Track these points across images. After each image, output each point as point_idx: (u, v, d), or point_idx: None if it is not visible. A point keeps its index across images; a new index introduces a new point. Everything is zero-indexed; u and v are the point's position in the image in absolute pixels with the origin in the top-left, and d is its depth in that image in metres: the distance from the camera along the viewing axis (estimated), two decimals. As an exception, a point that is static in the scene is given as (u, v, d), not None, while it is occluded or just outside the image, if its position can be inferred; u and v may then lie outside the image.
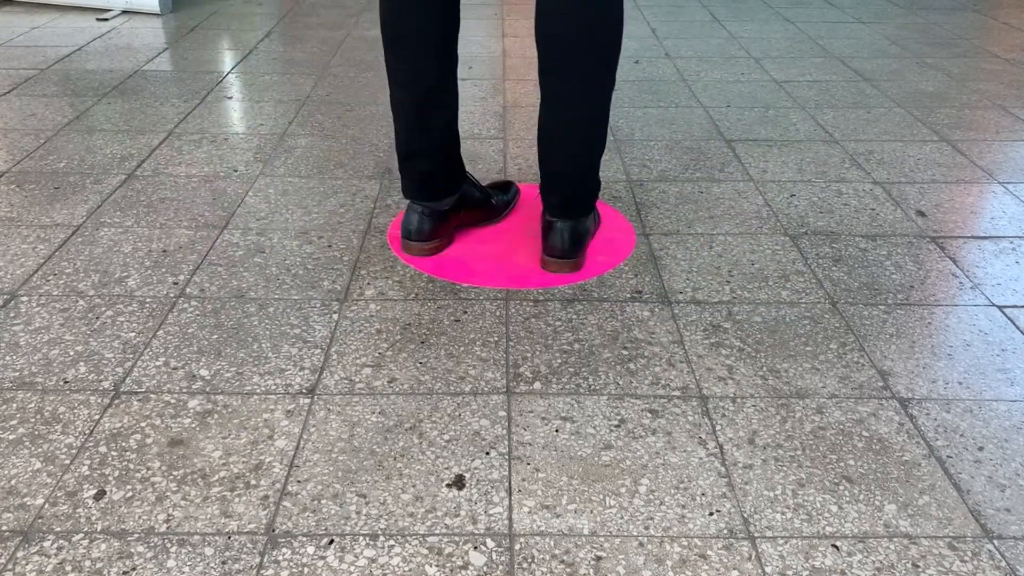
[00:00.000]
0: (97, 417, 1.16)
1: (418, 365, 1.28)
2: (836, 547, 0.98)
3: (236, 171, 1.93)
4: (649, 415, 1.18)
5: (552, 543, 0.98)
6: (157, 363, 1.28)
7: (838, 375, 1.27)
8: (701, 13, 3.44)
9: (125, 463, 1.09)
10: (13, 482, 1.05)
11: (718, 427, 1.16)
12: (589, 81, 1.38)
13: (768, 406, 1.21)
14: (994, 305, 1.46)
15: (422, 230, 1.54)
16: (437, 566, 0.95)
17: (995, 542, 0.99)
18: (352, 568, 0.94)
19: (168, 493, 1.04)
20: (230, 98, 2.40)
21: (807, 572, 0.95)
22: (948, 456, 1.12)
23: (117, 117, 2.23)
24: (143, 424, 1.15)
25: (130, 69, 2.62)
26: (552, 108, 1.42)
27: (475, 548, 0.97)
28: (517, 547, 0.97)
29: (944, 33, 3.15)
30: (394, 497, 1.04)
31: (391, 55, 1.43)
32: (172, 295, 1.45)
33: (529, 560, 0.96)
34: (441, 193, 1.53)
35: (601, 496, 1.05)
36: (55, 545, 0.97)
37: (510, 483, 1.06)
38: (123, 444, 1.12)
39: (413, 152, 1.49)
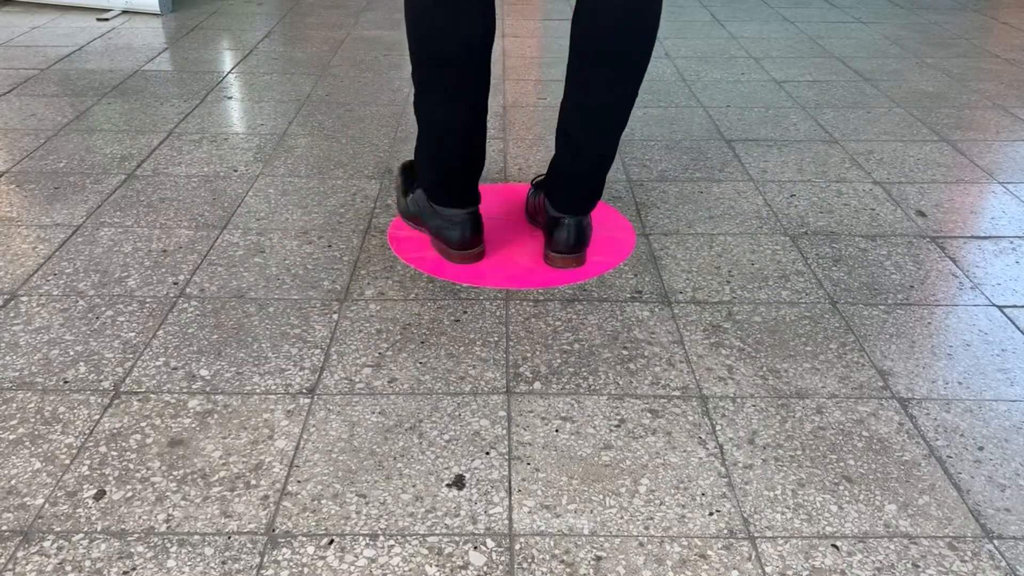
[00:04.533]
0: (97, 417, 1.16)
1: (418, 365, 1.28)
2: (836, 547, 0.98)
3: (236, 171, 1.93)
4: (649, 415, 1.18)
5: (552, 543, 0.98)
6: (157, 363, 1.28)
7: (838, 375, 1.27)
8: (701, 13, 3.44)
9: (125, 463, 1.09)
10: (13, 482, 1.05)
11: (718, 427, 1.16)
12: (625, 83, 1.37)
13: (768, 406, 1.21)
14: (994, 305, 1.46)
15: (475, 236, 1.53)
16: (437, 566, 0.95)
17: (995, 542, 0.99)
18: (352, 568, 0.94)
19: (168, 493, 1.04)
20: (230, 98, 2.40)
21: (807, 572, 0.95)
22: (948, 456, 1.12)
23: (117, 117, 2.23)
24: (143, 424, 1.15)
25: (130, 69, 2.62)
26: (586, 110, 1.40)
27: (475, 548, 0.97)
28: (517, 547, 0.97)
29: (944, 33, 3.15)
30: (394, 497, 1.04)
31: (439, 72, 1.37)
32: (172, 295, 1.45)
33: (529, 560, 0.96)
34: (477, 195, 1.53)
35: (601, 496, 1.05)
36: (55, 545, 0.97)
37: (510, 483, 1.06)
38: (123, 444, 1.12)
39: (464, 164, 1.46)
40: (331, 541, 0.98)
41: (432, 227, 1.55)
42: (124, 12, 3.26)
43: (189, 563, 0.95)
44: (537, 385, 1.24)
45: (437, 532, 0.99)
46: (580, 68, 1.38)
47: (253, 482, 1.06)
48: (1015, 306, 1.46)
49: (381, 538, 0.98)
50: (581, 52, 1.37)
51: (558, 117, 1.48)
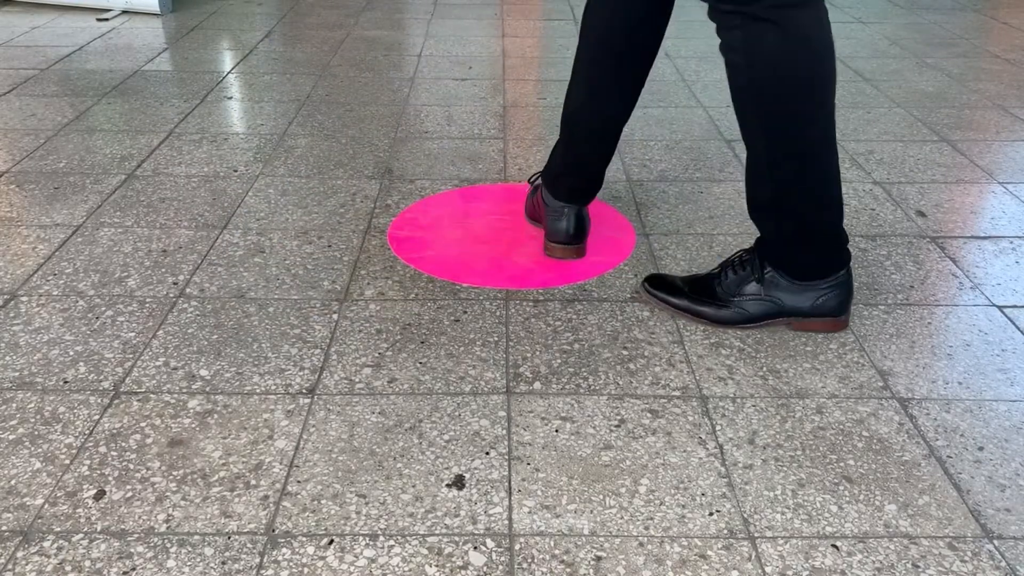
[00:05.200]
0: (97, 417, 1.16)
1: (418, 365, 1.28)
2: (836, 547, 0.98)
3: (236, 171, 1.93)
4: (649, 415, 1.18)
5: (552, 543, 0.98)
6: (157, 363, 1.28)
7: (838, 375, 1.27)
8: (701, 13, 3.44)
9: (125, 463, 1.09)
10: (13, 482, 1.05)
11: (718, 427, 1.16)
12: (625, 75, 1.41)
13: (768, 406, 1.21)
14: (994, 305, 1.46)
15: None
16: (437, 566, 0.95)
17: (995, 542, 0.99)
18: (352, 568, 0.94)
19: (168, 493, 1.04)
20: (230, 98, 2.40)
21: (807, 572, 0.95)
22: (948, 456, 1.12)
23: (117, 117, 2.23)
24: (143, 424, 1.15)
25: (130, 69, 2.62)
26: (585, 97, 1.43)
27: (475, 548, 0.97)
28: (517, 547, 0.97)
29: (944, 33, 3.15)
30: (394, 497, 1.04)
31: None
32: (172, 295, 1.45)
33: (529, 560, 0.96)
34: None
35: (601, 496, 1.05)
36: (55, 545, 0.97)
37: (510, 483, 1.06)
38: (123, 444, 1.12)
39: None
40: (331, 541, 0.98)
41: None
42: (124, 12, 3.26)
43: (189, 563, 0.95)
44: (537, 385, 1.24)
45: (437, 532, 0.99)
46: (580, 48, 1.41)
47: (253, 482, 1.06)
48: (1015, 306, 1.46)
49: (381, 538, 0.98)
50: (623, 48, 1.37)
51: (563, 107, 1.49)
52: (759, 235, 1.35)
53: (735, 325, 1.36)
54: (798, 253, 1.31)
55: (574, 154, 1.48)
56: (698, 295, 1.38)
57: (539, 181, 1.64)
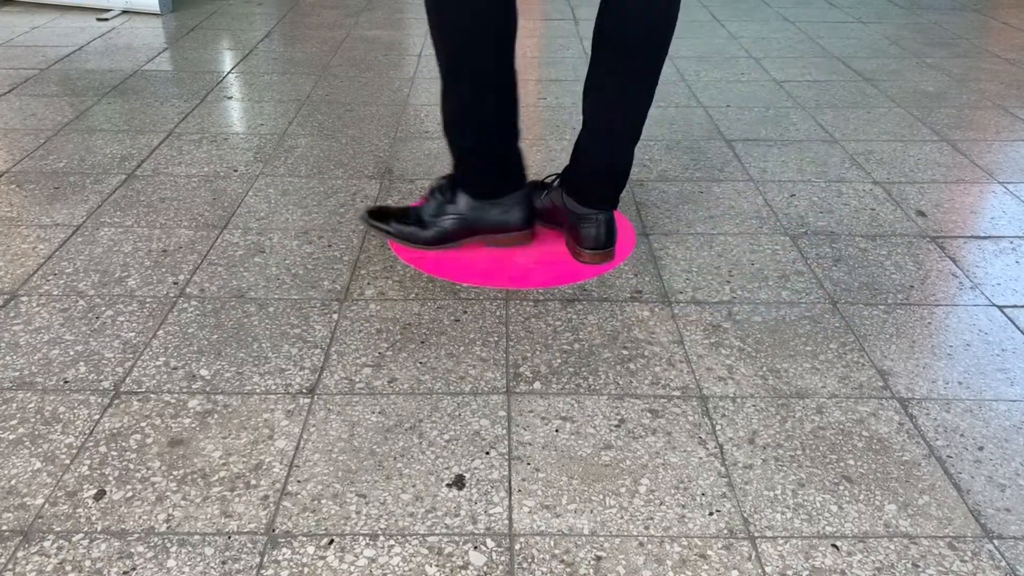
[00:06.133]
0: (97, 417, 1.16)
1: (418, 365, 1.28)
2: (836, 547, 0.98)
3: (236, 171, 1.93)
4: (649, 415, 1.18)
5: (552, 543, 0.98)
6: (157, 363, 1.28)
7: (838, 375, 1.27)
8: (701, 13, 3.44)
9: (125, 463, 1.09)
10: (13, 482, 1.05)
11: (718, 427, 1.16)
12: (651, 76, 1.43)
13: (768, 406, 1.21)
14: (994, 305, 1.46)
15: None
16: (437, 566, 0.95)
17: (995, 542, 0.99)
18: (352, 568, 0.94)
19: (168, 493, 1.04)
20: (230, 98, 2.40)
21: (807, 572, 0.95)
22: (948, 456, 1.12)
23: (117, 117, 2.23)
24: (143, 424, 1.15)
25: (130, 69, 2.62)
26: (614, 103, 1.45)
27: (475, 548, 0.97)
28: (517, 547, 0.97)
29: (944, 33, 3.15)
30: (394, 497, 1.04)
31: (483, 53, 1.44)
32: (172, 295, 1.45)
33: (529, 560, 0.96)
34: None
35: (601, 496, 1.05)
36: (55, 545, 0.97)
37: (510, 483, 1.06)
38: (123, 444, 1.12)
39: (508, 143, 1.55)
40: (331, 541, 0.98)
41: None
42: (124, 12, 3.26)
43: (189, 563, 0.95)
44: (537, 385, 1.24)
45: (437, 532, 0.99)
46: (601, 72, 1.43)
47: (253, 482, 1.06)
48: (1015, 306, 1.46)
49: (381, 538, 0.98)
50: (603, 55, 1.42)
51: (583, 114, 1.52)
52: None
53: (437, 244, 1.57)
54: (478, 174, 1.52)
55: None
56: (406, 219, 1.57)
57: (556, 183, 1.63)
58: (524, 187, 1.55)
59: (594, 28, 1.42)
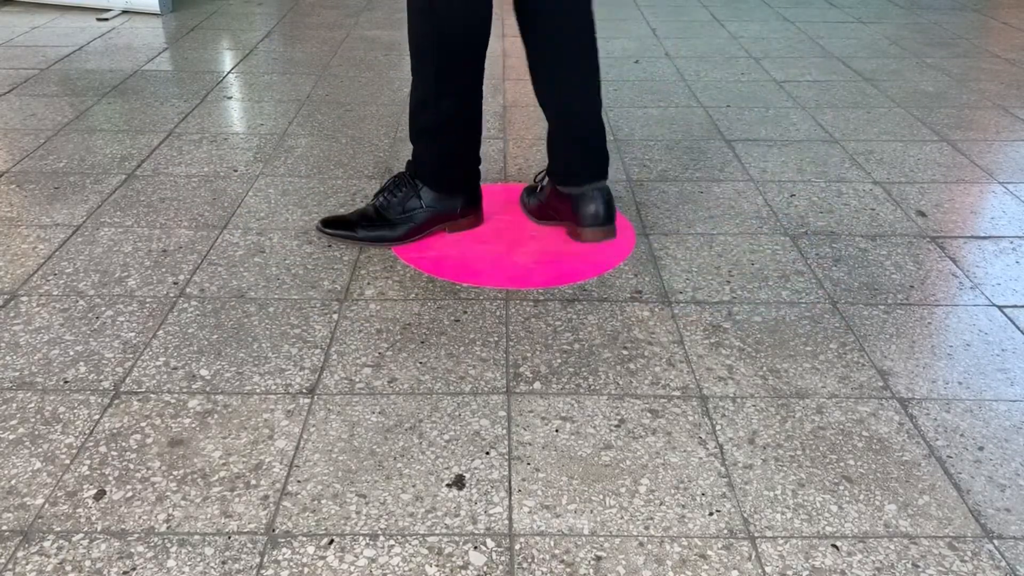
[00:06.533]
0: (97, 417, 1.16)
1: (418, 365, 1.28)
2: (836, 547, 0.98)
3: (236, 171, 1.93)
4: (649, 415, 1.18)
5: (552, 543, 0.98)
6: (157, 363, 1.28)
7: (838, 375, 1.27)
8: (701, 13, 3.44)
9: (125, 463, 1.09)
10: (13, 482, 1.05)
11: (718, 427, 1.16)
12: (581, 38, 1.48)
13: (768, 406, 1.21)
14: (994, 305, 1.46)
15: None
16: (437, 566, 0.95)
17: (995, 542, 0.99)
18: (352, 568, 0.94)
19: (168, 493, 1.04)
20: (230, 98, 2.40)
21: (807, 572, 0.95)
22: (948, 456, 1.12)
23: (117, 117, 2.23)
24: (143, 424, 1.15)
25: (130, 69, 2.62)
26: (561, 82, 1.51)
27: (475, 548, 0.97)
28: (517, 547, 0.97)
29: (944, 33, 3.15)
30: (394, 497, 1.04)
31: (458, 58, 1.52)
32: (172, 295, 1.45)
33: (529, 560, 0.96)
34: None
35: (601, 496, 1.05)
36: (55, 545, 0.97)
37: (510, 483, 1.06)
38: (123, 444, 1.12)
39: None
40: (331, 541, 0.98)
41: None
42: (124, 12, 3.26)
43: (189, 563, 0.95)
44: (537, 385, 1.24)
45: (437, 532, 0.99)
46: (533, 41, 1.50)
47: (253, 482, 1.06)
48: (1015, 306, 1.46)
49: (381, 538, 0.98)
50: (528, 24, 1.50)
51: (541, 108, 1.58)
52: (408, 159, 1.62)
53: (410, 238, 1.60)
54: (438, 169, 1.58)
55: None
56: (372, 223, 1.60)
57: (545, 181, 1.65)
58: (477, 176, 1.64)
59: (516, 18, 1.50)
